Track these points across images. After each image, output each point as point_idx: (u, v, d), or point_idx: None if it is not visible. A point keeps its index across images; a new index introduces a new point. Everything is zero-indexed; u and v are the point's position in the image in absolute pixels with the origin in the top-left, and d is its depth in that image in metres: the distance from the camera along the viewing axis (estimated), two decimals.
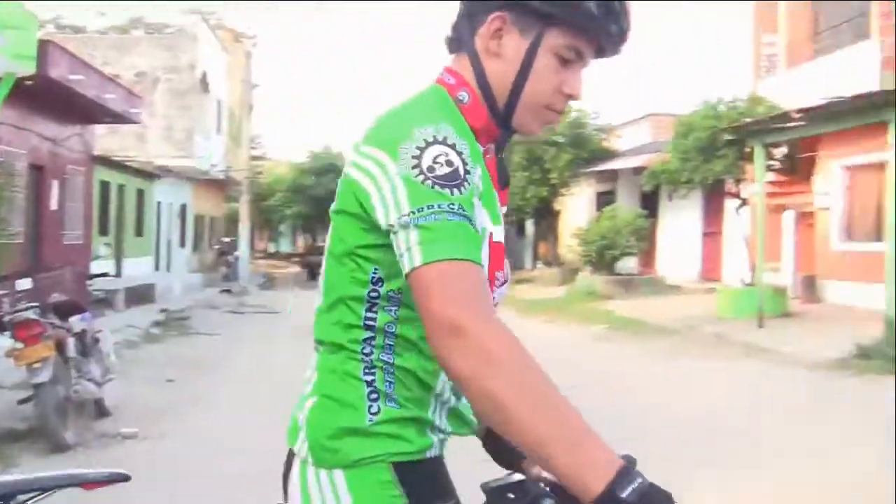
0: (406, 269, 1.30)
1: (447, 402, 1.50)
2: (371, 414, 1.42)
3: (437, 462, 1.49)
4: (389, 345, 1.43)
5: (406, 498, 1.42)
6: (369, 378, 1.43)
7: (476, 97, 1.49)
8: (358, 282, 1.43)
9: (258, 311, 19.88)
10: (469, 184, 1.34)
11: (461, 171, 1.33)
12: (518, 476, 1.52)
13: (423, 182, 1.31)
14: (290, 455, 1.50)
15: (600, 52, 1.51)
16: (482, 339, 1.21)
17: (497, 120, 1.50)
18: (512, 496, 1.47)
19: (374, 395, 1.43)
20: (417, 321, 1.32)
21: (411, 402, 1.44)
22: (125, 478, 1.72)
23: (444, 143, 1.34)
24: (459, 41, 1.52)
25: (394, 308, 1.43)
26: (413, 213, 1.30)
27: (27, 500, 1.56)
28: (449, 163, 1.33)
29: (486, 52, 1.48)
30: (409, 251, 1.29)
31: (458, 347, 1.21)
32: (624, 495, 1.08)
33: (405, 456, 1.43)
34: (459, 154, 1.34)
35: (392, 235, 1.33)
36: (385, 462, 1.42)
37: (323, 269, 1.49)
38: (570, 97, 1.50)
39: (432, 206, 1.30)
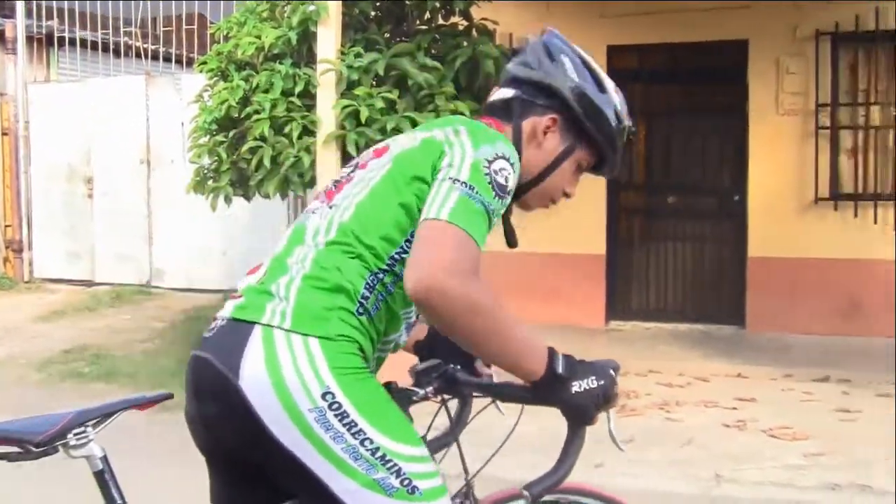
0: (431, 213, 1.55)
1: (385, 351, 1.73)
2: (358, 314, 1.63)
3: None
4: (395, 281, 1.65)
5: (368, 366, 1.63)
6: (366, 293, 1.63)
7: None
8: (405, 222, 1.64)
9: None
10: (506, 202, 1.66)
11: (509, 190, 1.66)
12: (434, 361, 1.91)
13: (485, 175, 1.61)
14: (232, 324, 1.63)
15: (595, 170, 1.89)
16: (469, 288, 1.50)
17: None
18: (434, 374, 1.87)
19: (361, 307, 1.63)
20: None
21: (374, 332, 1.66)
22: (169, 396, 1.92)
23: (512, 166, 1.66)
24: (508, 114, 1.81)
25: None
26: (465, 183, 1.58)
27: (93, 428, 1.72)
28: (507, 179, 1.64)
29: (530, 138, 1.79)
30: (445, 203, 1.56)
31: (458, 284, 1.49)
32: (559, 369, 1.58)
33: (363, 354, 1.64)
34: (513, 179, 1.67)
35: (438, 182, 1.60)
36: (355, 343, 1.62)
37: (365, 196, 1.68)
38: (566, 195, 1.86)
39: (480, 194, 1.58)
